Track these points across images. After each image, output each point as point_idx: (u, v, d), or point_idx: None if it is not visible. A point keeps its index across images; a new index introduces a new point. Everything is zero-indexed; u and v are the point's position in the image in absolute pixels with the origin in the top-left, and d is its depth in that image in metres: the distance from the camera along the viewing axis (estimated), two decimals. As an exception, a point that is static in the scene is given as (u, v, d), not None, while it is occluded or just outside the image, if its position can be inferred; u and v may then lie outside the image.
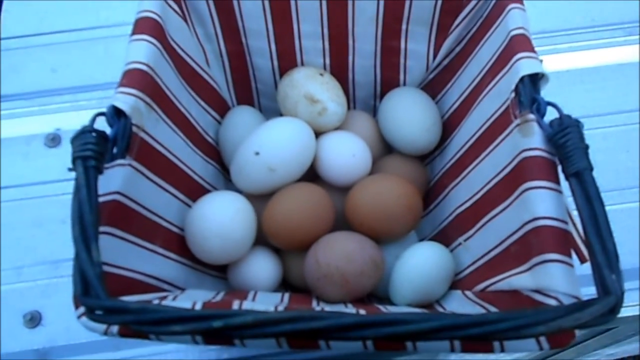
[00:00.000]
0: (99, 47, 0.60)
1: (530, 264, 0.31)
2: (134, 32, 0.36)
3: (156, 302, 0.31)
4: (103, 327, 0.28)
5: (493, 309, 0.33)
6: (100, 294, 0.26)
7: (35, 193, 0.52)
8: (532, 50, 0.35)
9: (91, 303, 0.26)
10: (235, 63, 0.47)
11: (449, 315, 0.25)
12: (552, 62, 0.58)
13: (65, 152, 0.55)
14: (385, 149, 0.48)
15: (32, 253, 0.50)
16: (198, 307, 0.28)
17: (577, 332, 0.29)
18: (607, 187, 0.51)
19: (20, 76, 0.58)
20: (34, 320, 0.47)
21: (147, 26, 0.37)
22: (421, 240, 0.45)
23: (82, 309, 0.28)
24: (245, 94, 0.50)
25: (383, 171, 0.46)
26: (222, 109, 0.48)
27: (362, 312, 0.32)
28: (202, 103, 0.45)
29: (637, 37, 0.59)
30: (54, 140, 0.55)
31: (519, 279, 0.32)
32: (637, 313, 0.47)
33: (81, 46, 0.60)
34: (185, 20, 0.42)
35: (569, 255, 0.30)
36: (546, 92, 0.35)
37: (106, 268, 0.30)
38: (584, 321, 0.25)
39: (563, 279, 0.29)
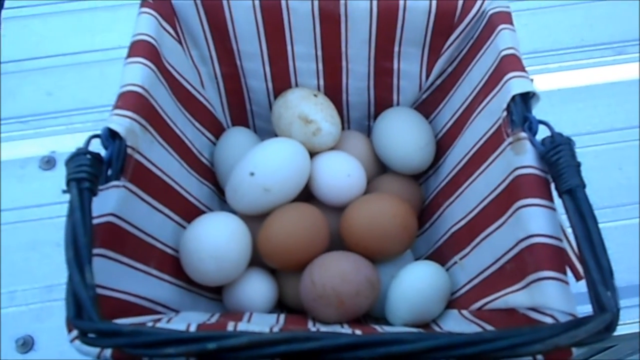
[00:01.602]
0: (94, 71, 0.60)
1: (525, 282, 0.31)
2: (129, 55, 0.37)
3: (150, 324, 0.30)
4: (96, 350, 0.27)
5: (490, 328, 0.33)
6: (94, 317, 0.25)
7: (29, 216, 0.52)
8: (523, 70, 0.36)
9: (84, 326, 0.25)
10: (229, 85, 0.47)
11: (445, 334, 0.25)
12: (542, 81, 0.59)
13: (60, 174, 0.54)
14: (379, 168, 0.49)
15: (26, 277, 0.49)
16: (192, 329, 0.28)
17: (575, 351, 0.28)
18: (601, 204, 0.52)
19: (16, 100, 0.59)
20: (26, 345, 0.46)
21: (142, 49, 0.37)
22: (417, 259, 0.45)
23: (74, 333, 0.28)
24: (240, 115, 0.50)
25: (378, 191, 0.46)
26: (217, 130, 0.49)
27: (358, 332, 0.32)
28: (197, 124, 0.45)
29: (626, 56, 0.60)
30: (48, 162, 0.55)
31: (515, 297, 0.32)
32: (637, 330, 0.47)
33: (76, 69, 0.60)
34: (180, 43, 0.43)
35: (564, 273, 0.30)
36: (537, 111, 0.35)
37: (100, 290, 0.30)
38: (581, 338, 0.25)
39: (558, 297, 0.29)
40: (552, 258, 0.30)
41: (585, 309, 0.29)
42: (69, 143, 0.56)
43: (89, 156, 0.30)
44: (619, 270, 0.28)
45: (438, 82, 0.46)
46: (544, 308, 0.29)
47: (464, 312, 0.37)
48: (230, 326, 0.29)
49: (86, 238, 0.28)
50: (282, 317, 0.38)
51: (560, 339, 0.25)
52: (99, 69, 0.60)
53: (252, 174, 0.41)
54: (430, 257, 0.44)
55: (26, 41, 0.62)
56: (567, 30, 0.62)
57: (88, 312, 0.26)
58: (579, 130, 0.56)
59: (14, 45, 0.62)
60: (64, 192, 0.30)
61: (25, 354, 0.46)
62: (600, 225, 0.28)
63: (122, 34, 0.60)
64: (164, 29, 0.40)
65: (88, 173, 0.30)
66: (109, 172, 0.33)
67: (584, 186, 0.30)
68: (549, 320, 0.29)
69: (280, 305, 0.44)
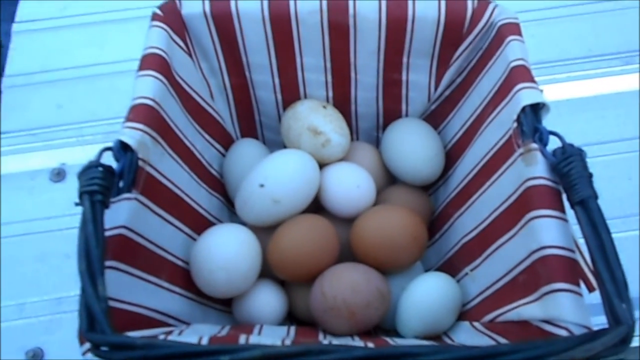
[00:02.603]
0: (103, 83, 0.61)
1: (538, 294, 0.31)
2: (140, 68, 0.37)
3: (162, 337, 0.30)
4: (109, 363, 0.27)
5: (502, 341, 0.33)
6: (106, 330, 0.26)
7: (39, 228, 0.52)
8: (533, 81, 0.36)
9: (97, 339, 0.25)
10: (239, 97, 0.48)
11: (460, 347, 0.25)
12: (551, 92, 0.59)
13: (70, 186, 0.55)
14: (388, 179, 0.49)
15: (35, 288, 0.49)
16: (204, 341, 0.28)
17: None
18: (610, 215, 0.50)
19: (26, 112, 0.59)
20: (35, 357, 0.46)
21: (153, 62, 0.37)
22: (427, 270, 0.45)
23: (87, 345, 0.28)
24: (249, 127, 0.50)
25: (387, 202, 0.46)
26: (226, 142, 0.49)
27: (370, 345, 0.31)
28: (207, 136, 0.46)
29: (634, 66, 0.60)
30: (59, 174, 0.55)
31: (528, 309, 0.31)
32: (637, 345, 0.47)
33: (86, 82, 0.61)
34: (190, 56, 0.43)
35: (578, 284, 0.30)
36: (546, 122, 0.35)
37: (111, 303, 0.30)
38: (596, 352, 0.25)
39: (572, 309, 0.29)
40: (565, 270, 0.30)
41: (597, 320, 0.29)
42: (79, 155, 0.56)
43: (101, 169, 0.30)
44: (629, 281, 0.27)
45: (447, 93, 0.46)
46: (558, 320, 0.29)
47: (476, 324, 0.36)
48: (242, 339, 0.29)
49: (99, 250, 0.28)
50: (293, 329, 0.37)
51: (576, 352, 0.25)
52: (108, 81, 0.61)
53: (261, 185, 0.41)
54: (440, 268, 0.44)
55: (36, 54, 0.63)
56: (574, 40, 0.62)
57: (101, 324, 0.26)
58: (588, 141, 0.56)
59: (24, 58, 0.62)
60: (77, 204, 0.30)
61: (35, 366, 0.46)
62: (611, 236, 0.28)
63: (131, 47, 0.60)
64: (175, 42, 0.41)
65: (100, 186, 0.30)
66: (121, 184, 0.33)
67: (596, 197, 0.30)
68: (563, 332, 0.29)
69: (290, 317, 0.43)
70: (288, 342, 0.31)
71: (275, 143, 0.50)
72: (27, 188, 0.55)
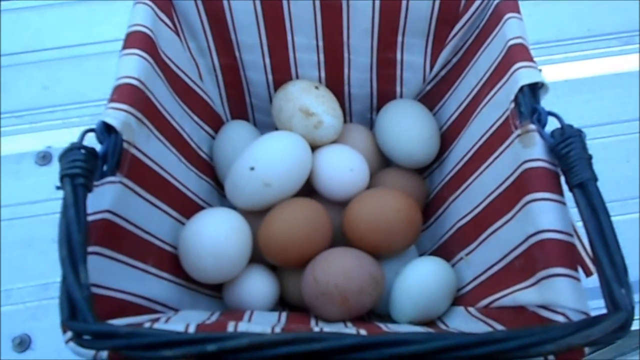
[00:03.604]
0: (90, 64, 0.59)
1: (535, 279, 0.30)
2: (124, 47, 0.36)
3: (148, 324, 0.29)
4: (92, 352, 0.26)
5: (498, 326, 0.32)
6: (88, 318, 0.25)
7: (25, 212, 0.51)
8: (531, 60, 0.35)
9: (79, 327, 0.25)
10: (228, 77, 0.46)
11: (454, 334, 0.24)
12: (548, 72, 0.57)
13: (56, 170, 0.53)
14: (382, 162, 0.48)
15: (22, 274, 0.49)
16: (191, 329, 0.27)
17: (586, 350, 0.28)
18: (609, 198, 0.49)
19: (11, 94, 0.57)
20: (23, 344, 0.45)
21: (138, 40, 0.36)
22: (421, 255, 0.44)
23: (69, 334, 0.27)
24: (240, 108, 0.49)
25: (381, 185, 0.45)
26: (216, 123, 0.48)
27: (363, 331, 0.31)
28: (196, 118, 0.44)
29: (634, 46, 0.59)
30: (44, 158, 0.54)
31: (524, 294, 0.31)
32: (638, 328, 0.46)
33: (73, 63, 0.59)
34: (178, 34, 0.42)
35: (576, 269, 0.29)
36: (543, 103, 0.34)
37: (95, 290, 0.29)
38: (594, 338, 0.24)
39: (570, 294, 0.28)
40: (563, 254, 0.29)
41: (594, 304, 0.28)
42: (65, 138, 0.55)
43: (83, 151, 0.29)
44: (628, 265, 0.27)
45: (443, 73, 0.45)
46: (555, 306, 0.28)
47: (471, 309, 0.36)
48: (230, 326, 0.28)
49: (80, 236, 0.27)
50: (284, 315, 0.37)
51: (573, 338, 0.24)
52: (95, 62, 0.59)
53: (252, 168, 0.40)
54: (435, 253, 0.43)
55: (22, 34, 0.61)
56: (572, 20, 0.61)
57: (83, 313, 0.25)
58: (586, 122, 0.55)
59: (9, 38, 0.60)
60: (58, 188, 0.29)
61: (22, 353, 0.45)
62: (609, 220, 0.27)
63: (119, 26, 0.58)
64: (161, 19, 0.39)
65: (82, 169, 0.29)
66: (105, 167, 0.32)
67: (595, 180, 0.29)
68: (560, 318, 0.28)
69: (282, 303, 0.43)
70: (278, 329, 0.30)
71: (266, 125, 0.49)
72: (13, 172, 0.53)
